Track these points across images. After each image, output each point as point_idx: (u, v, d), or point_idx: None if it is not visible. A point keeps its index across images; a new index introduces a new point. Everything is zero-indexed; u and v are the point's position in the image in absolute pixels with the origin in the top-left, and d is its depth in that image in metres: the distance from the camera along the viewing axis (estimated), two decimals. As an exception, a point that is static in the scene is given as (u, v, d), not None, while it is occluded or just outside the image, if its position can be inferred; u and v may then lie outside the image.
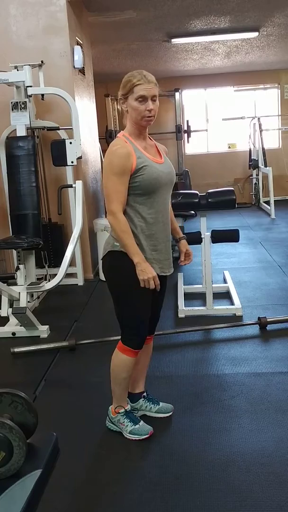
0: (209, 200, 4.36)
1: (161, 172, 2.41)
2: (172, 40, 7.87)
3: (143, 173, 2.34)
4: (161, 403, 2.85)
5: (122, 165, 2.32)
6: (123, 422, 2.65)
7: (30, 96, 4.87)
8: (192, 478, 2.32)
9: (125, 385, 2.64)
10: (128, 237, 2.34)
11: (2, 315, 4.56)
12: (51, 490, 1.70)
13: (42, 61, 4.96)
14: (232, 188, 4.68)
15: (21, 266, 4.48)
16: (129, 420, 2.65)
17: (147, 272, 2.34)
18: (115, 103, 10.68)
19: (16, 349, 3.81)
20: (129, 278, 2.38)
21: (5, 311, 4.55)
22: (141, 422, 2.67)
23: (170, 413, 2.83)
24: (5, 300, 4.59)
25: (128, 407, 2.68)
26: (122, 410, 2.65)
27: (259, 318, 4.03)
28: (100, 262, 2.76)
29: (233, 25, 7.31)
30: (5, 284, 4.24)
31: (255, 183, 10.90)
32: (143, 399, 2.82)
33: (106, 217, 2.37)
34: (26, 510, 1.39)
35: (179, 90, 10.85)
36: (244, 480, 2.28)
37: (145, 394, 2.84)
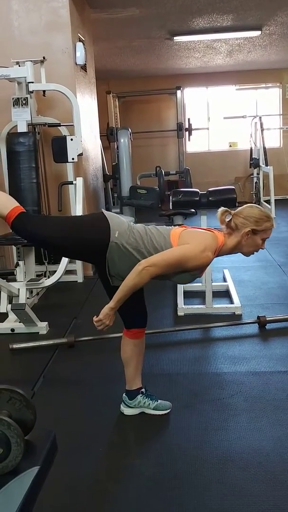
0: (210, 198, 4.35)
1: (192, 280, 2.57)
2: (175, 38, 7.86)
3: (186, 275, 2.47)
4: (159, 400, 2.85)
5: (195, 266, 2.41)
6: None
7: (32, 92, 4.85)
8: (190, 477, 2.32)
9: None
10: (132, 292, 2.38)
11: (1, 311, 4.55)
12: (48, 488, 1.70)
13: (44, 57, 4.94)
14: (233, 187, 4.66)
15: (20, 263, 4.48)
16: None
17: (110, 320, 2.44)
18: (116, 100, 10.68)
19: (15, 345, 3.81)
20: (80, 240, 2.47)
21: (4, 307, 4.54)
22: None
23: (168, 410, 2.83)
24: (4, 296, 4.58)
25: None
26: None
27: (258, 317, 4.03)
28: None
29: (236, 23, 7.30)
30: (5, 280, 4.23)
31: (256, 182, 10.87)
32: (141, 395, 2.82)
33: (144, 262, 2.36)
34: (23, 507, 1.38)
35: (181, 88, 10.84)
36: (242, 479, 2.28)
37: (143, 390, 2.84)
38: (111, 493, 2.25)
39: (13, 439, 1.63)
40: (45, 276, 4.91)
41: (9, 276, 4.58)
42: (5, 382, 2.00)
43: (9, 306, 4.38)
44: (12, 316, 4.30)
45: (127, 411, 2.82)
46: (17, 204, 2.50)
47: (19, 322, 4.17)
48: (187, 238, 2.43)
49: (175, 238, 2.44)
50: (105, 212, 2.55)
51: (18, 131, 4.86)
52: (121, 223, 2.50)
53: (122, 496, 2.22)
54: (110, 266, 2.45)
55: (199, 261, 2.39)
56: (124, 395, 2.84)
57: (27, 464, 1.61)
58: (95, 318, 2.45)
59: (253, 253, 2.58)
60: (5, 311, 4.48)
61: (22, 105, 4.79)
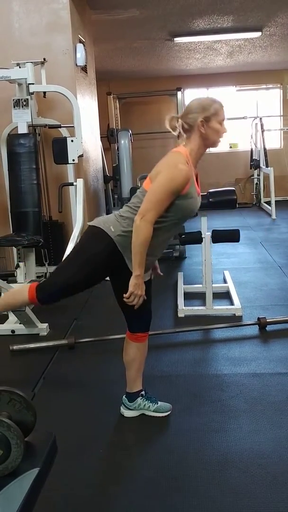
0: (210, 199, 4.36)
1: (197, 206, 2.49)
2: (175, 39, 7.86)
3: (184, 199, 2.38)
4: (159, 402, 2.84)
5: (181, 186, 2.34)
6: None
7: (32, 93, 4.86)
8: (190, 478, 2.32)
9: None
10: (146, 248, 2.35)
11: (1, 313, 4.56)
12: (48, 489, 1.70)
13: (44, 59, 4.94)
14: (233, 188, 4.68)
15: (21, 264, 4.48)
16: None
17: (141, 289, 2.39)
18: (117, 101, 10.68)
19: (15, 347, 3.81)
20: (92, 258, 2.48)
21: (5, 308, 4.54)
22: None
23: (168, 413, 2.82)
24: (4, 297, 4.58)
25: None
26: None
27: (258, 319, 4.02)
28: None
29: (236, 24, 7.31)
30: (5, 281, 4.23)
31: (256, 183, 10.89)
32: (141, 397, 2.81)
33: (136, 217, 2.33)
34: (23, 509, 1.38)
35: (181, 89, 10.84)
36: (242, 480, 2.28)
37: (143, 392, 2.83)
38: (110, 494, 2.25)
39: (13, 440, 1.63)
40: (45, 278, 4.90)
41: (10, 277, 4.59)
42: (5, 383, 2.00)
43: (10, 307, 4.39)
44: (12, 318, 4.30)
45: (127, 413, 2.82)
46: (27, 285, 2.61)
47: (20, 323, 4.17)
48: (156, 173, 2.40)
49: (147, 183, 2.44)
50: (90, 223, 2.58)
51: (19, 132, 4.87)
52: (107, 218, 2.54)
53: (122, 498, 2.22)
54: (129, 258, 2.44)
55: (180, 177, 2.34)
56: (124, 397, 2.84)
57: (27, 465, 1.61)
58: (125, 295, 2.39)
59: (219, 141, 2.52)
60: (6, 313, 4.48)
61: (22, 107, 4.80)
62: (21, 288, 2.66)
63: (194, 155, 2.47)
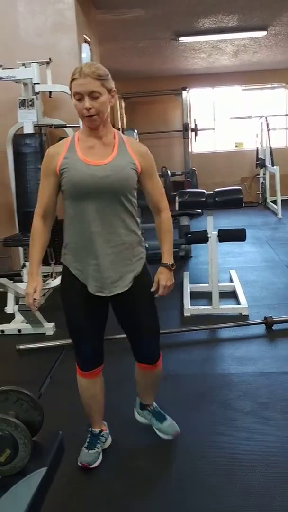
0: (216, 199, 4.35)
1: (88, 176, 2.09)
2: (180, 38, 7.85)
3: (64, 175, 2.13)
4: (166, 422, 2.59)
5: (46, 165, 2.19)
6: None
7: (38, 93, 4.86)
8: (197, 477, 2.32)
9: (87, 409, 2.51)
10: (32, 244, 2.23)
11: (8, 312, 4.57)
12: (55, 489, 1.70)
13: (49, 59, 4.95)
14: (240, 187, 4.66)
15: (27, 263, 4.48)
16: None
17: (27, 287, 2.22)
18: (122, 101, 10.68)
19: (22, 346, 3.81)
20: (61, 288, 2.33)
21: (11, 308, 4.55)
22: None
23: (170, 437, 2.57)
24: (11, 297, 4.59)
25: (96, 430, 2.52)
26: (90, 429, 2.53)
27: (265, 318, 4.01)
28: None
29: (242, 23, 7.29)
30: (11, 281, 4.24)
31: (262, 182, 10.86)
32: (148, 412, 2.65)
33: None
34: (31, 508, 1.38)
35: (187, 89, 10.83)
36: (249, 479, 2.27)
37: (151, 407, 2.64)
38: (117, 494, 2.25)
39: (21, 440, 1.63)
40: (51, 277, 4.91)
41: (16, 277, 4.59)
42: (12, 383, 2.00)
43: (16, 307, 4.39)
44: (19, 317, 4.30)
45: (137, 417, 2.71)
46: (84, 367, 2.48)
47: (26, 323, 4.18)
48: (152, 159, 2.28)
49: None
50: None
51: (24, 132, 4.87)
52: None
53: (128, 497, 2.22)
54: None
55: (45, 155, 2.24)
56: (137, 398, 2.72)
57: (35, 465, 1.61)
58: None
59: (86, 121, 2.11)
60: (12, 312, 4.49)
61: (28, 107, 4.80)
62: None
63: (84, 129, 2.21)
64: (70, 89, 2.09)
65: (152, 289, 2.29)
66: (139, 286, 2.25)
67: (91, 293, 2.21)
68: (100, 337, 2.39)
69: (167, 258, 2.33)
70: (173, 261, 2.33)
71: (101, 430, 2.53)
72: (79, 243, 2.19)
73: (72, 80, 2.05)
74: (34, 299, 2.18)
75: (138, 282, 2.25)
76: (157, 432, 2.60)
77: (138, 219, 2.30)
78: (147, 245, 2.43)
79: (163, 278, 2.30)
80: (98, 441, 2.49)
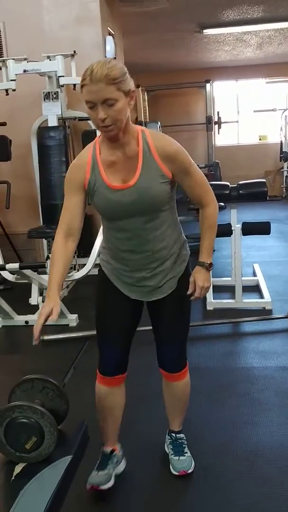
0: (240, 191, 4.33)
1: (114, 202, 1.91)
2: (204, 31, 7.80)
3: (94, 195, 1.94)
4: (184, 457, 2.31)
5: (69, 181, 1.97)
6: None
7: (62, 86, 4.88)
8: (217, 470, 2.32)
9: (102, 423, 2.30)
10: (52, 263, 2.03)
11: (32, 304, 4.61)
12: (78, 478, 1.72)
13: (74, 51, 4.96)
14: (264, 180, 4.63)
15: (51, 256, 4.51)
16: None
17: (44, 306, 2.01)
18: (146, 93, 10.66)
19: (46, 337, 3.86)
20: (97, 288, 2.26)
21: (35, 299, 4.59)
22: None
23: (176, 473, 2.28)
24: (35, 288, 4.63)
25: (107, 450, 2.28)
26: (102, 448, 2.29)
27: (289, 312, 3.99)
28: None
29: (267, 14, 7.20)
30: (36, 273, 4.28)
31: (286, 176, 10.76)
32: (169, 438, 2.42)
33: None
34: (57, 494, 1.40)
35: (210, 82, 10.77)
36: (271, 473, 2.27)
37: (172, 435, 2.41)
38: (135, 485, 2.26)
39: (47, 428, 1.66)
40: (75, 269, 4.94)
41: (40, 268, 4.63)
42: (37, 372, 2.03)
43: (40, 298, 4.43)
44: (42, 309, 4.34)
45: (166, 448, 2.45)
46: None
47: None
48: (184, 156, 1.96)
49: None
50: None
51: (49, 125, 4.90)
52: None
53: (147, 488, 2.23)
54: None
55: (69, 168, 2.04)
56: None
57: (60, 453, 1.64)
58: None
59: (103, 132, 1.83)
60: (36, 303, 4.53)
61: (52, 99, 4.83)
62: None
63: (103, 138, 1.93)
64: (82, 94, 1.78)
65: (189, 292, 2.11)
66: (178, 286, 2.13)
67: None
68: (128, 341, 2.26)
69: (206, 256, 2.11)
70: (211, 261, 2.11)
71: (113, 450, 2.29)
72: (114, 251, 2.08)
73: (82, 86, 1.75)
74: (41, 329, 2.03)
75: (180, 281, 2.12)
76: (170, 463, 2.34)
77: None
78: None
79: (200, 278, 2.10)
80: (110, 462, 2.24)
